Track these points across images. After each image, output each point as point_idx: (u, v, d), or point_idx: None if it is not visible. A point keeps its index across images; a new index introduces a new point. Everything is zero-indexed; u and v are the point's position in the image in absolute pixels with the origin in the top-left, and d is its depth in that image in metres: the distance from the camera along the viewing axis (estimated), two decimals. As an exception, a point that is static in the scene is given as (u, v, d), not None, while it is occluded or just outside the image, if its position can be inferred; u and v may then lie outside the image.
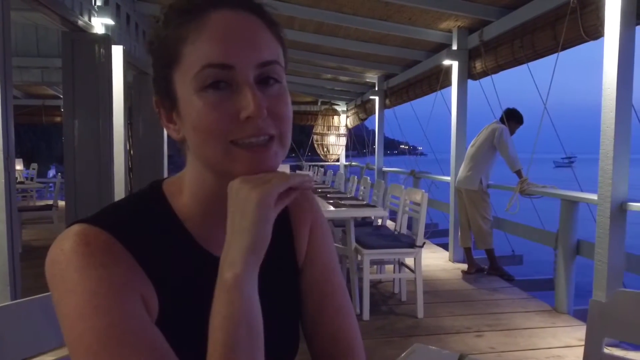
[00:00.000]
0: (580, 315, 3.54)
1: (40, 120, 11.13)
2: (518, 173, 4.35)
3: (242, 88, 0.56)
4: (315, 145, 11.11)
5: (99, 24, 4.26)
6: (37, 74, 7.47)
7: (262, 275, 0.62)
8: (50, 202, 6.71)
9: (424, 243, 3.54)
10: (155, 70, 0.62)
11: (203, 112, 0.56)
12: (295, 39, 5.87)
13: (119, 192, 4.32)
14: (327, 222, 0.84)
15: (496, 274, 4.61)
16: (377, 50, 6.22)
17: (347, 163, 11.43)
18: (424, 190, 3.69)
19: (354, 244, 3.51)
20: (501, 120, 4.66)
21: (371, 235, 3.80)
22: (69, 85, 4.06)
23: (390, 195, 4.45)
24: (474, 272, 4.69)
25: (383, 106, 8.25)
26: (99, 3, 4.32)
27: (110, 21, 4.31)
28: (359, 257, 3.50)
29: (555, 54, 3.92)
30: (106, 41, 4.17)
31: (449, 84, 5.44)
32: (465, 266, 4.83)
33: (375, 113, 8.55)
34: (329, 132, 10.91)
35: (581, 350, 1.07)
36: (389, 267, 4.25)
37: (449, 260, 5.31)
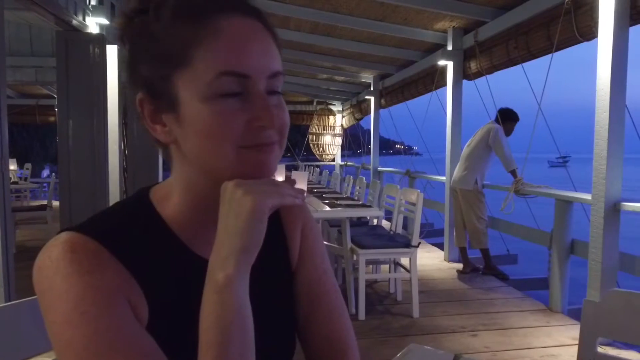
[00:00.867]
0: (575, 315, 3.56)
1: (34, 120, 11.07)
2: (513, 173, 4.37)
3: (255, 98, 0.57)
4: (311, 145, 11.10)
5: (94, 24, 4.24)
6: (31, 74, 7.42)
7: (256, 278, 0.62)
8: (45, 202, 6.67)
9: (420, 243, 3.55)
10: (146, 66, 0.58)
11: (217, 119, 0.55)
12: (291, 39, 5.86)
13: (114, 192, 4.30)
14: (318, 225, 0.85)
15: (491, 273, 4.62)
16: (373, 51, 6.23)
17: (343, 163, 11.44)
18: (419, 190, 3.70)
19: (349, 244, 3.51)
20: (496, 120, 4.68)
21: (367, 235, 3.81)
22: (63, 85, 4.04)
23: (385, 195, 4.46)
24: (469, 271, 4.70)
25: (378, 106, 8.26)
26: (93, 2, 4.30)
27: (104, 20, 4.29)
28: (355, 257, 3.50)
29: (550, 55, 3.94)
30: (100, 41, 4.15)
31: (444, 84, 5.45)
32: (460, 266, 4.84)
33: (370, 113, 8.57)
34: (325, 132, 10.91)
35: (575, 349, 1.08)
36: (385, 267, 4.26)
37: (445, 260, 5.32)
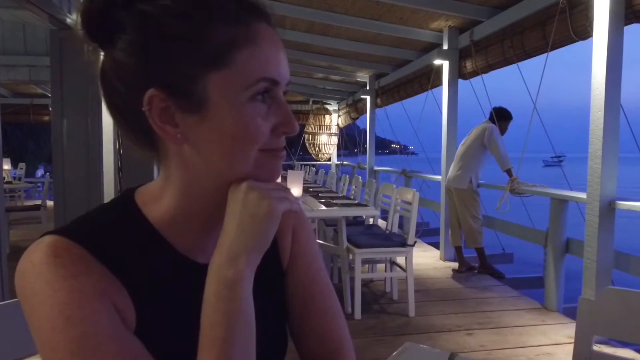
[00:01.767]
0: (570, 313, 3.58)
1: (28, 119, 10.99)
2: (508, 172, 4.38)
3: (280, 105, 0.59)
4: (307, 145, 11.10)
5: (88, 22, 4.21)
6: (25, 73, 7.37)
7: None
8: (39, 202, 6.63)
9: (415, 242, 3.56)
10: (172, 63, 0.55)
11: (248, 123, 0.56)
12: (287, 38, 5.81)
13: (109, 191, 4.27)
14: (310, 224, 0.84)
15: (487, 272, 4.64)
16: (368, 50, 6.23)
17: (339, 162, 11.44)
18: (415, 190, 3.70)
19: (345, 243, 3.51)
20: (491, 119, 4.69)
21: (363, 234, 3.81)
22: (57, 84, 4.01)
23: (381, 195, 4.46)
24: (464, 270, 4.71)
25: (374, 105, 8.27)
26: (87, 1, 4.27)
27: (99, 19, 4.26)
28: (351, 257, 3.50)
29: (545, 54, 3.95)
30: (95, 39, 4.12)
31: (440, 83, 5.46)
32: (456, 265, 4.85)
33: (366, 112, 8.57)
34: (321, 131, 10.91)
35: (571, 347, 1.08)
36: (381, 266, 4.26)
37: (440, 259, 5.33)
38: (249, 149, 0.58)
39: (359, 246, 3.44)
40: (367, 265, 4.30)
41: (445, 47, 5.18)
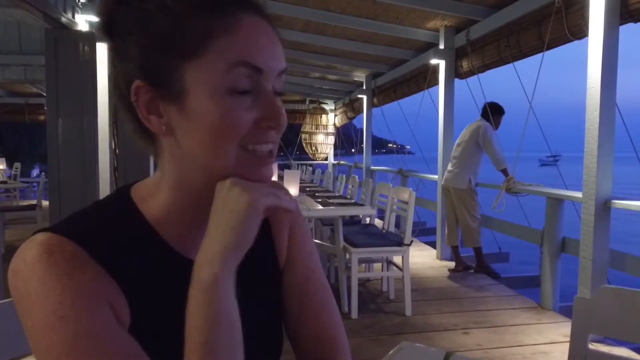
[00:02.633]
0: (566, 312, 3.59)
1: (23, 119, 10.95)
2: (504, 172, 4.38)
3: (265, 97, 0.57)
4: (304, 144, 11.09)
5: (83, 21, 4.20)
6: (20, 72, 7.34)
7: (244, 277, 0.61)
8: (34, 202, 6.61)
9: (412, 241, 3.56)
10: (151, 53, 0.56)
11: (226, 115, 0.55)
12: (283, 37, 5.84)
13: (104, 191, 4.26)
14: (306, 222, 0.84)
15: (483, 271, 4.64)
16: (365, 49, 6.23)
17: (336, 162, 11.44)
18: (411, 189, 3.70)
19: (342, 243, 3.51)
20: (484, 114, 4.67)
21: (359, 233, 3.81)
22: (53, 83, 3.99)
23: (378, 194, 4.47)
24: (461, 270, 4.72)
25: (371, 105, 8.27)
26: (82, 0, 4.25)
27: (94, 18, 4.24)
28: (348, 256, 3.50)
29: (541, 54, 3.96)
30: (90, 38, 4.11)
31: (436, 83, 5.46)
32: (452, 264, 4.86)
33: (363, 112, 8.57)
34: (317, 131, 10.90)
35: (567, 346, 1.08)
36: (377, 266, 4.27)
37: (437, 258, 5.34)
38: (226, 142, 0.56)
39: (355, 245, 3.44)
40: (363, 265, 4.31)
41: (441, 46, 5.19)
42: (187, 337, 0.53)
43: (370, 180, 5.45)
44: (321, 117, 10.89)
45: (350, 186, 5.48)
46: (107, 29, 0.59)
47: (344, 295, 3.48)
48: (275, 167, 5.74)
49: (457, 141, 4.82)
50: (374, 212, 4.48)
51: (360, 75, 8.25)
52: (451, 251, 4.93)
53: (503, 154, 4.44)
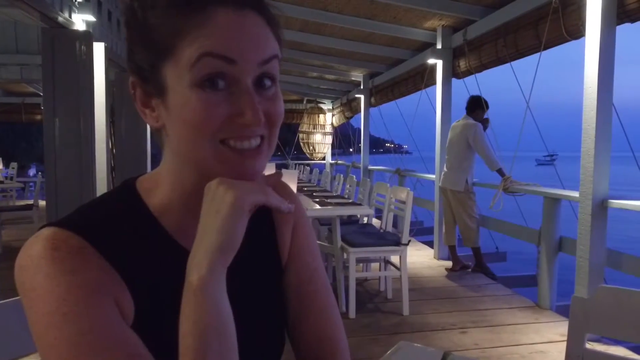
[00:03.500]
0: (563, 311, 3.60)
1: (19, 119, 10.91)
2: (499, 172, 4.38)
3: (241, 92, 0.56)
4: (301, 144, 11.09)
5: (80, 21, 4.18)
6: (16, 71, 7.31)
7: (245, 275, 0.63)
8: (31, 201, 6.58)
9: (409, 241, 3.57)
10: (138, 53, 0.58)
11: (198, 109, 0.54)
12: (279, 28, 5.84)
13: (102, 191, 4.25)
14: (310, 222, 0.84)
15: (481, 271, 4.65)
16: (362, 49, 6.24)
17: (333, 161, 11.44)
18: (409, 189, 3.71)
19: (340, 242, 3.51)
20: (471, 111, 4.64)
21: (357, 233, 3.81)
22: (49, 83, 3.98)
23: (375, 194, 4.47)
24: (458, 269, 4.73)
25: (368, 105, 8.27)
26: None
27: (91, 17, 4.23)
28: (345, 256, 3.50)
29: (538, 53, 3.97)
30: (87, 38, 4.10)
31: (434, 82, 5.47)
32: (450, 264, 4.86)
33: (360, 111, 8.57)
34: (315, 130, 10.90)
35: (564, 345, 1.09)
36: (375, 265, 4.27)
37: (434, 257, 5.35)
38: (200, 136, 0.55)
39: (353, 245, 3.44)
40: (361, 264, 4.31)
41: (439, 46, 5.19)
42: (180, 340, 0.53)
43: (368, 180, 5.45)
44: (319, 116, 10.89)
45: (347, 186, 5.48)
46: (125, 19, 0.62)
47: (342, 295, 3.48)
48: (272, 167, 5.76)
49: (448, 140, 4.80)
50: (372, 211, 4.48)
51: (357, 75, 8.25)
52: (449, 251, 4.93)
53: (494, 154, 4.42)
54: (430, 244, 5.83)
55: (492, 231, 4.90)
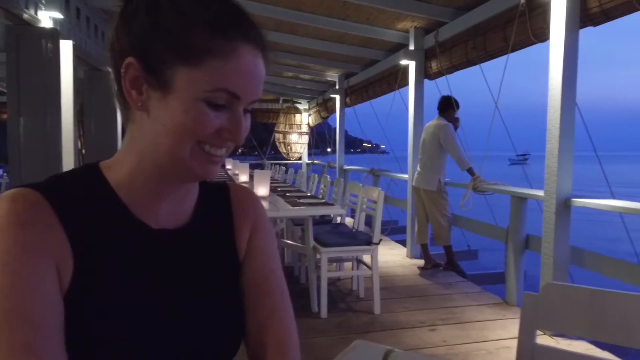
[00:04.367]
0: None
1: (-15, 118, 10.57)
2: (469, 171, 4.45)
3: (234, 115, 0.64)
4: (277, 144, 11.06)
5: (47, 18, 4.08)
6: (-19, 69, 7.08)
7: (201, 261, 0.70)
8: (-3, 203, 6.38)
9: (381, 240, 3.60)
10: (154, 44, 0.61)
11: (199, 120, 0.61)
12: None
13: (70, 192, 4.15)
14: (270, 224, 0.87)
15: (453, 269, 4.72)
16: (337, 49, 6.26)
17: (310, 161, 11.44)
18: (380, 189, 3.74)
19: (312, 242, 3.52)
20: (442, 110, 4.71)
21: (329, 233, 3.82)
22: (14, 81, 3.87)
23: (349, 194, 4.49)
24: (430, 267, 4.79)
25: (344, 105, 8.31)
26: (46, -5, 4.13)
27: (58, 15, 4.13)
28: (317, 255, 3.51)
29: (506, 55, 4.05)
30: (54, 36, 3.99)
31: (407, 83, 5.53)
32: (422, 262, 4.92)
33: (336, 111, 8.60)
34: (291, 130, 10.88)
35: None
36: (348, 265, 4.29)
37: (407, 256, 5.40)
38: (189, 139, 0.62)
39: (325, 245, 3.45)
40: (334, 264, 4.33)
41: (411, 47, 5.25)
42: None
43: (342, 179, 5.47)
44: (295, 116, 10.88)
45: (322, 186, 5.50)
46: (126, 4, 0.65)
47: (314, 295, 3.49)
48: (246, 168, 5.70)
49: (421, 141, 4.86)
50: (344, 211, 4.51)
51: (333, 75, 8.28)
52: (421, 249, 4.99)
53: (464, 154, 4.49)
54: (403, 242, 5.88)
55: (464, 230, 4.98)
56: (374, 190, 3.81)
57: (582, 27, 3.18)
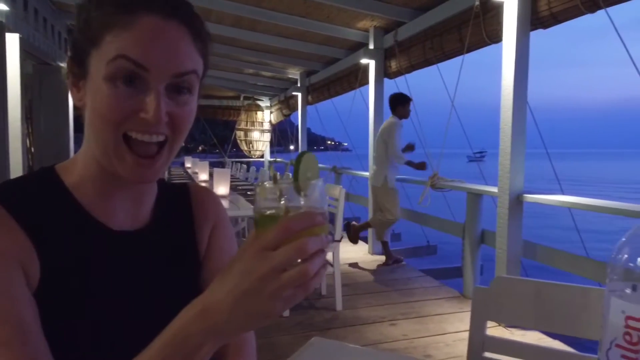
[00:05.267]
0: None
1: None
2: (409, 164, 4.55)
3: (150, 92, 0.60)
4: (239, 141, 10.96)
5: (-9, 9, 3.88)
6: None
7: (162, 269, 0.70)
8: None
9: (342, 237, 3.62)
10: (76, 37, 0.64)
11: (106, 100, 0.59)
12: (213, 32, 5.70)
13: (18, 192, 3.97)
14: (231, 226, 0.88)
15: (393, 262, 4.81)
16: (298, 47, 6.25)
17: (272, 159, 11.39)
18: (341, 186, 3.76)
19: (273, 241, 3.50)
20: (390, 108, 4.80)
21: (291, 231, 3.81)
22: (-45, 76, 3.66)
23: (310, 191, 4.49)
24: (391, 263, 4.86)
25: (306, 102, 8.31)
26: (-10, -14, 3.92)
27: (3, 6, 3.93)
28: (278, 254, 3.49)
29: (462, 56, 4.16)
30: (-1, 28, 3.81)
31: (367, 82, 5.58)
32: (383, 258, 4.99)
33: (298, 109, 8.60)
34: (253, 127, 10.80)
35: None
36: (310, 262, 4.29)
37: (369, 253, 5.47)
38: (105, 125, 0.60)
39: (286, 243, 3.44)
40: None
41: (371, 46, 5.31)
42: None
43: (304, 177, 5.45)
44: (256, 113, 10.80)
45: (283, 184, 5.47)
46: None
47: (276, 293, 3.47)
48: (205, 166, 5.61)
49: (376, 139, 4.92)
50: (306, 209, 4.50)
51: (294, 73, 8.26)
52: (381, 246, 5.06)
53: (399, 150, 4.55)
54: (365, 239, 5.95)
55: (423, 226, 5.09)
56: (334, 188, 3.83)
57: (532, 30, 3.31)
